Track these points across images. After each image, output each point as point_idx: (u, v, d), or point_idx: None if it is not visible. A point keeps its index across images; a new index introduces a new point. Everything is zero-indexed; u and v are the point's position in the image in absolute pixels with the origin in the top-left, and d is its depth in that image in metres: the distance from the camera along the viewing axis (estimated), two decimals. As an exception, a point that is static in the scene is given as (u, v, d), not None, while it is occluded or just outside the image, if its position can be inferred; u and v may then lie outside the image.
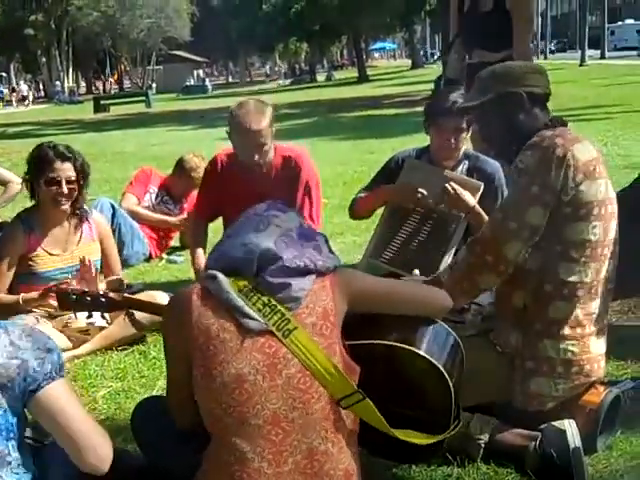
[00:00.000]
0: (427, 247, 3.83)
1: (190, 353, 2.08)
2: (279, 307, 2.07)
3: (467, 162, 3.90)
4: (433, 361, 2.21)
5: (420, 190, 3.73)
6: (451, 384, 2.21)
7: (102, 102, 30.86)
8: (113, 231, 5.13)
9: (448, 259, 3.74)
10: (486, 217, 3.73)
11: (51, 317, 3.70)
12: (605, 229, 2.53)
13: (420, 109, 16.41)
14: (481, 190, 3.75)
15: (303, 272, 2.12)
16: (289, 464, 2.01)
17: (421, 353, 2.23)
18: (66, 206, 3.73)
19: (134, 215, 5.52)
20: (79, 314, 3.56)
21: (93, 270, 3.60)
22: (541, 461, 2.40)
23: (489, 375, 2.56)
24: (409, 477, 2.44)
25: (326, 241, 2.29)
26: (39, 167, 3.70)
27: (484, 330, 2.65)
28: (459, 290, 2.52)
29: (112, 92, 56.43)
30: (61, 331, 3.62)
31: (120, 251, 5.10)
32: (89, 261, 3.62)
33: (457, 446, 2.43)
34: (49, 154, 3.71)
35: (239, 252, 2.15)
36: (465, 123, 3.72)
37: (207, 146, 12.46)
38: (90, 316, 2.83)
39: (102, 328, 3.67)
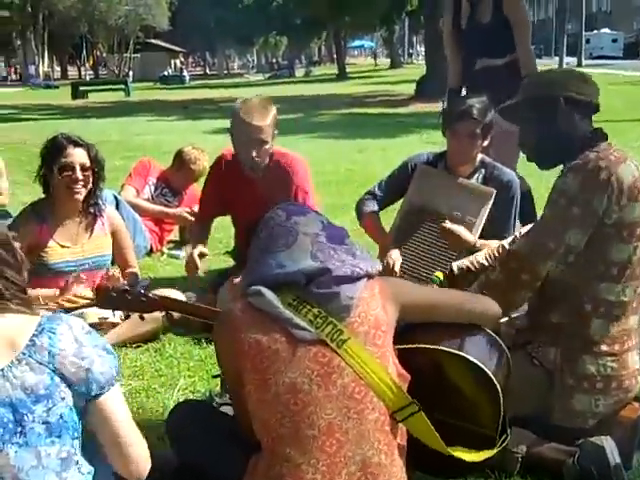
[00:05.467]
0: (438, 258, 3.84)
1: (242, 368, 2.06)
2: (330, 318, 2.05)
3: (484, 170, 3.91)
4: (483, 367, 2.22)
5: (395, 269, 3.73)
6: (500, 391, 2.21)
7: (80, 88, 30.49)
8: (116, 224, 5.10)
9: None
10: (491, 246, 3.79)
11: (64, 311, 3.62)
12: None
13: (402, 110, 16.50)
14: (493, 197, 3.77)
15: (352, 279, 2.10)
16: (343, 476, 1.98)
17: (471, 358, 2.23)
18: (80, 195, 3.65)
19: (133, 207, 5.42)
20: (92, 310, 3.54)
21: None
22: (580, 477, 2.39)
23: (527, 389, 2.54)
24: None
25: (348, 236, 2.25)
26: (52, 154, 3.63)
27: (520, 343, 2.63)
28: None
29: (87, 78, 55.81)
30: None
31: (122, 245, 5.07)
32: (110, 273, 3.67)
33: (494, 459, 2.40)
34: (62, 141, 3.65)
35: (280, 273, 2.10)
36: (481, 130, 3.74)
37: (193, 138, 12.40)
38: (128, 317, 2.75)
39: (115, 324, 3.59)
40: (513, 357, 2.50)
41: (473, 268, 2.92)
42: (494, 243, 3.84)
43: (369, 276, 2.13)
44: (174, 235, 5.89)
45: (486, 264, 2.94)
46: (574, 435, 2.51)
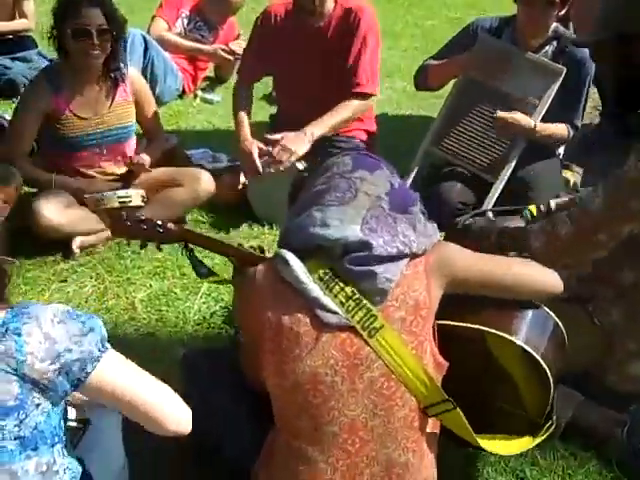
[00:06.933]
0: (493, 143, 3.50)
1: (260, 344, 1.83)
2: (364, 301, 1.78)
3: (555, 43, 3.45)
4: (534, 353, 1.95)
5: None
6: (551, 378, 1.96)
7: None
8: (145, 67, 4.72)
9: (513, 161, 3.43)
10: (555, 131, 3.42)
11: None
12: None
13: None
14: (561, 77, 3.35)
15: (393, 258, 1.81)
16: (364, 476, 1.79)
17: (519, 343, 1.96)
18: (98, 60, 3.27)
19: (164, 43, 4.94)
20: (111, 194, 3.31)
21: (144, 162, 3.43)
22: (627, 453, 2.19)
23: (582, 347, 2.24)
24: (483, 456, 2.22)
25: (420, 203, 1.95)
26: (65, 15, 3.21)
27: (581, 298, 2.32)
28: (560, 265, 2.16)
29: None
30: (93, 211, 3.31)
31: (153, 88, 4.69)
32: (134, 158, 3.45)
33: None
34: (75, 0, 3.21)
35: (320, 230, 1.82)
36: None
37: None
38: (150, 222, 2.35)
39: (138, 208, 3.35)
40: (571, 311, 2.23)
41: (573, 205, 2.54)
42: (558, 127, 3.47)
43: (413, 255, 1.84)
44: (209, 71, 5.44)
45: None
46: (627, 399, 2.29)
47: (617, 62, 2.17)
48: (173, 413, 1.66)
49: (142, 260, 3.14)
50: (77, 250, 3.21)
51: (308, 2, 3.44)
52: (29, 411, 1.51)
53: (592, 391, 2.32)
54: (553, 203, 2.57)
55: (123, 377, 1.63)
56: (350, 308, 1.78)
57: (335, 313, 1.78)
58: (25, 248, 3.18)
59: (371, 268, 1.79)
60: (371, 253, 1.79)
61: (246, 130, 3.56)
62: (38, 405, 1.52)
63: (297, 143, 3.34)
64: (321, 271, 1.81)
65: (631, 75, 2.17)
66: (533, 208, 2.59)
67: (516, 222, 2.54)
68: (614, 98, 2.30)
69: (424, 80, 3.65)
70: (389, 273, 1.79)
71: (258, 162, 3.40)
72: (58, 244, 3.19)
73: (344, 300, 1.79)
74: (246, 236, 3.39)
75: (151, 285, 3.01)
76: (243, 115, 3.64)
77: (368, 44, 3.52)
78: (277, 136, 3.39)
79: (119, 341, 2.62)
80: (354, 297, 1.79)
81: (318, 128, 3.39)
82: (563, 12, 3.35)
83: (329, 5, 3.52)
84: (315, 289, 1.80)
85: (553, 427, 2.02)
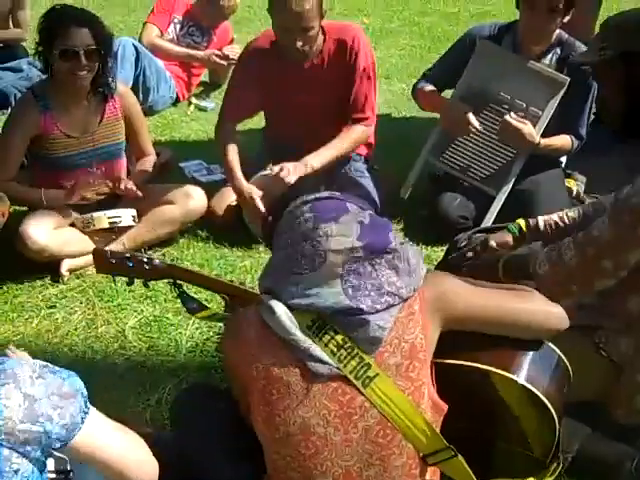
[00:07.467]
0: (494, 155, 3.42)
1: (249, 394, 1.75)
2: (356, 350, 1.69)
3: (559, 51, 3.34)
4: (537, 393, 1.86)
5: (472, 123, 3.33)
6: (556, 416, 1.87)
7: None
8: (137, 76, 4.64)
9: (515, 174, 3.35)
10: (559, 144, 3.33)
11: (73, 208, 3.29)
12: None
13: None
14: (565, 87, 3.25)
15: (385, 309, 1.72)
16: None
17: (521, 382, 1.87)
18: (86, 81, 3.17)
19: (156, 50, 4.83)
20: (101, 213, 3.23)
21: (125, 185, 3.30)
22: (637, 487, 2.10)
23: (588, 379, 2.15)
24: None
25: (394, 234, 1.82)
26: (52, 35, 3.10)
27: (586, 327, 2.21)
28: (564, 292, 2.06)
29: None
30: (82, 231, 3.22)
31: (146, 98, 4.66)
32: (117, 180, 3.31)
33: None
34: (62, 19, 3.12)
35: (301, 301, 1.72)
36: (565, 3, 3.16)
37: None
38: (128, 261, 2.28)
39: (129, 227, 3.26)
40: (578, 342, 2.13)
41: (562, 224, 2.43)
42: (561, 139, 3.37)
43: (405, 299, 1.74)
44: (204, 76, 5.32)
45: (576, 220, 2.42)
46: (635, 432, 2.20)
47: (621, 83, 2.07)
48: (144, 472, 1.63)
49: (133, 285, 3.04)
50: (66, 273, 3.11)
51: (294, 50, 3.20)
52: (8, 479, 1.43)
53: (599, 424, 2.22)
54: (541, 221, 2.47)
55: (102, 439, 1.57)
56: (342, 357, 1.70)
57: (327, 364, 1.70)
58: (13, 272, 3.10)
59: (363, 317, 1.70)
60: (362, 315, 1.70)
61: (239, 173, 3.33)
62: (17, 471, 1.43)
63: (295, 170, 3.18)
64: (309, 319, 1.72)
65: (635, 97, 2.07)
66: (522, 222, 2.49)
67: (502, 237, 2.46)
68: (617, 122, 2.18)
69: (419, 103, 3.62)
70: (382, 320, 1.71)
71: (260, 205, 3.20)
72: (47, 267, 3.10)
73: (335, 349, 1.70)
74: (241, 254, 3.30)
75: (142, 310, 2.91)
76: (232, 156, 3.36)
77: (370, 76, 3.39)
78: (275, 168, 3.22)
79: (109, 371, 2.61)
80: (345, 345, 1.70)
81: (317, 160, 3.26)
82: (567, 19, 3.24)
83: (319, 41, 3.29)
84: (305, 339, 1.71)
85: (560, 467, 1.93)
